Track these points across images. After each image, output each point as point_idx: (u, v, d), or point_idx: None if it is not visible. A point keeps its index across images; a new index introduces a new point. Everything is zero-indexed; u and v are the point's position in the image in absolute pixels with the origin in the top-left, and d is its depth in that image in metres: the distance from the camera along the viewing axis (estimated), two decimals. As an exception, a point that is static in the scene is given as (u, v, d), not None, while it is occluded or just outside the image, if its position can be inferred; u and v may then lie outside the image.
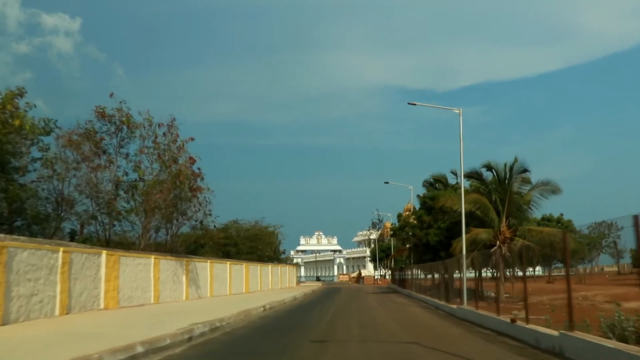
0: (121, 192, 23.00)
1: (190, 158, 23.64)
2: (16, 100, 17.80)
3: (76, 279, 16.17)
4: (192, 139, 24.33)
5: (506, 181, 24.93)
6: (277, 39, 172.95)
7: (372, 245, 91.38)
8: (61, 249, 15.32)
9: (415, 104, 21.77)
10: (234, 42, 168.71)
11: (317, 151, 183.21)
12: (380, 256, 79.49)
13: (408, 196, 73.54)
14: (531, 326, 10.91)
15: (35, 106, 18.11)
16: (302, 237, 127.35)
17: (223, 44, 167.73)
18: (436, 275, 28.69)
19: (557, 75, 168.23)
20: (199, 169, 24.84)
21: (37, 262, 14.03)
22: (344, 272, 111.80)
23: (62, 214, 19.89)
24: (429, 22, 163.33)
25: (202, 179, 25.32)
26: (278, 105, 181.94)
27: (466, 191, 23.39)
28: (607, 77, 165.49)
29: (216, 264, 30.56)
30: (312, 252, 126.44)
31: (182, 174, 22.78)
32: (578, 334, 8.86)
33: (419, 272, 35.53)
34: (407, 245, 43.17)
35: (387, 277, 79.08)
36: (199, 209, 26.12)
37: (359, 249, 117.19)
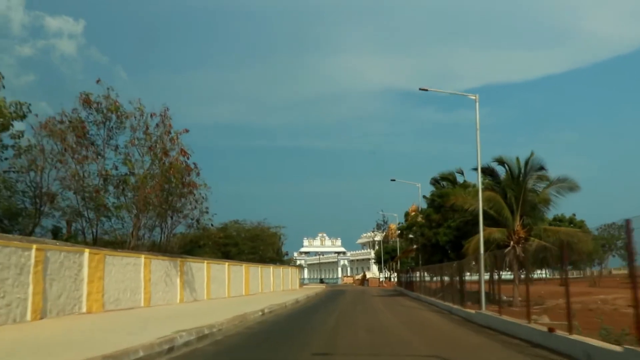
0: (110, 187, 21.41)
1: (182, 150, 21.92)
2: None
3: (53, 280, 14.64)
4: (187, 131, 22.67)
5: (520, 178, 23.20)
6: (277, 41, 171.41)
7: (377, 247, 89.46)
8: (34, 246, 13.74)
9: (427, 90, 20.01)
10: (234, 44, 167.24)
11: (318, 153, 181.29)
12: (385, 258, 77.59)
13: (412, 198, 72.01)
14: (577, 337, 8.95)
15: (4, 87, 16.38)
16: (305, 238, 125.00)
17: (223, 45, 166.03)
18: (446, 277, 26.98)
19: (560, 78, 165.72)
20: (194, 163, 23.32)
21: (3, 261, 12.48)
22: (348, 274, 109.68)
23: (42, 209, 18.21)
24: (430, 24, 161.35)
25: (198, 174, 23.78)
26: (278, 107, 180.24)
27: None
28: (609, 78, 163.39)
29: (213, 264, 28.92)
30: (316, 254, 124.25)
31: (173, 167, 21.07)
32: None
33: (428, 273, 33.95)
34: (415, 246, 41.54)
35: (393, 279, 77.13)
36: (195, 207, 24.54)
37: (363, 250, 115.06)
